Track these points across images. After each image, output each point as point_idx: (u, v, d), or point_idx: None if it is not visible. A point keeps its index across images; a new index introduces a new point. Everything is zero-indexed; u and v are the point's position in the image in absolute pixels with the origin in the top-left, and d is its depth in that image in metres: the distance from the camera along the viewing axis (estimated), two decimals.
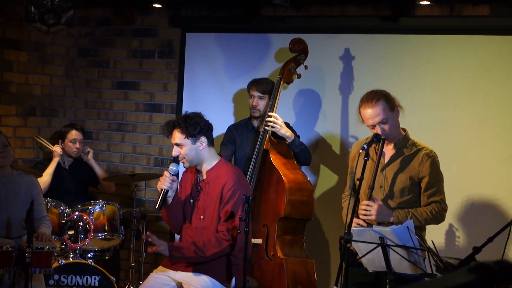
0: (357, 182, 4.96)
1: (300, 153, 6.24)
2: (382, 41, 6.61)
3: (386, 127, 5.11)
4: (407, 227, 4.65)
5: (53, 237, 6.21)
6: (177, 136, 5.16)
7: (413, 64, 6.47)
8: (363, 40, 6.69)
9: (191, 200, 5.31)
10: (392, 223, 5.07)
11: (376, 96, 5.14)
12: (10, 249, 5.32)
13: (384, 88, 6.38)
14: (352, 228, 4.78)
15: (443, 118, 6.36)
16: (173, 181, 5.15)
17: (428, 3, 6.24)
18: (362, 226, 5.10)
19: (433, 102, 6.40)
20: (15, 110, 7.47)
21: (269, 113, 6.19)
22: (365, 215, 5.12)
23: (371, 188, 5.12)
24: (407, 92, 6.43)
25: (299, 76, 6.37)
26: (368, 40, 6.67)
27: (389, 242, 4.70)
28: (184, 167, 5.29)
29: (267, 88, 6.40)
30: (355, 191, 5.37)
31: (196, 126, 5.16)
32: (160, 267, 5.38)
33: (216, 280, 5.18)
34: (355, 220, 5.20)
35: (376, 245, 4.72)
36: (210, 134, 5.27)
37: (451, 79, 6.34)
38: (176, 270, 5.25)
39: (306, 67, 6.37)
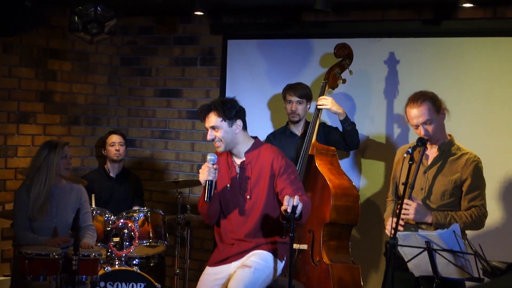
0: (402, 187, 4.92)
1: (352, 131, 6.26)
2: (425, 45, 6.57)
3: (429, 128, 5.10)
4: (454, 231, 4.61)
5: (99, 244, 6.25)
6: (214, 119, 5.13)
7: (457, 67, 6.43)
8: (405, 44, 6.66)
9: (228, 185, 5.26)
10: (431, 224, 5.04)
11: (423, 97, 5.12)
12: (56, 256, 5.38)
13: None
14: (398, 233, 4.75)
15: (487, 121, 6.31)
16: (215, 169, 5.14)
17: (471, 5, 6.18)
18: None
19: (476, 105, 6.35)
20: (59, 119, 7.54)
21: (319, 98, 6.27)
22: (404, 214, 5.09)
23: (411, 187, 5.10)
24: (452, 95, 6.38)
25: (344, 81, 6.36)
26: (410, 44, 6.64)
27: (435, 247, 4.66)
28: (219, 151, 5.22)
29: (304, 92, 6.41)
30: (397, 197, 5.36)
31: (232, 109, 5.15)
32: (208, 268, 5.35)
33: (273, 255, 5.20)
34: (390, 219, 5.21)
35: (422, 249, 4.69)
36: (245, 119, 5.25)
37: (495, 82, 6.28)
38: (230, 262, 5.24)
39: (351, 72, 6.36)
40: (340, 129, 6.39)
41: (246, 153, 5.25)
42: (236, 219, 5.25)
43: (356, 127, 6.32)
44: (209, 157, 5.13)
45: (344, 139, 6.33)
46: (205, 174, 5.11)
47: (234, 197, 5.25)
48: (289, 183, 5.10)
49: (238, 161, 5.27)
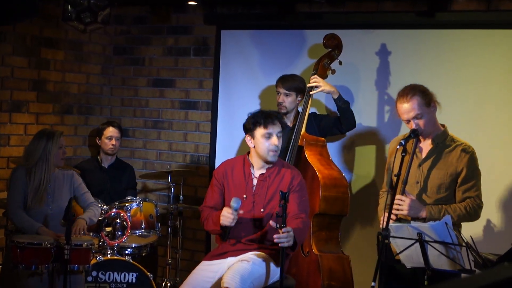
0: (395, 178, 4.93)
1: (347, 110, 6.25)
2: (418, 37, 6.56)
3: (420, 122, 5.10)
4: (446, 223, 4.62)
5: (91, 234, 6.25)
6: (279, 128, 5.25)
7: (450, 59, 6.42)
8: (399, 35, 6.65)
9: (245, 196, 5.29)
10: (425, 219, 5.04)
11: (412, 91, 5.12)
12: (48, 246, 5.37)
13: (420, 83, 6.38)
14: (390, 224, 4.76)
15: (480, 113, 6.31)
16: (237, 216, 5.09)
17: None
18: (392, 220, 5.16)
19: (470, 97, 6.35)
20: (52, 108, 7.53)
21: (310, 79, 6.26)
22: (397, 209, 5.11)
23: (404, 182, 5.10)
24: (444, 87, 6.39)
25: (333, 71, 6.35)
26: (404, 36, 6.63)
27: (427, 238, 4.67)
28: (274, 160, 5.29)
29: (294, 85, 6.39)
30: (392, 188, 5.36)
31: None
32: (203, 262, 5.38)
33: (270, 257, 5.24)
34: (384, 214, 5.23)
35: (414, 241, 4.70)
36: None
37: (488, 74, 6.28)
38: (227, 258, 5.27)
39: (340, 62, 6.34)
40: (333, 115, 6.40)
41: (269, 167, 5.30)
42: (245, 228, 5.29)
43: (350, 108, 6.33)
44: (233, 204, 5.05)
45: (339, 120, 6.32)
46: (228, 221, 5.08)
47: (248, 208, 5.28)
48: (298, 203, 5.20)
49: (256, 173, 5.30)
